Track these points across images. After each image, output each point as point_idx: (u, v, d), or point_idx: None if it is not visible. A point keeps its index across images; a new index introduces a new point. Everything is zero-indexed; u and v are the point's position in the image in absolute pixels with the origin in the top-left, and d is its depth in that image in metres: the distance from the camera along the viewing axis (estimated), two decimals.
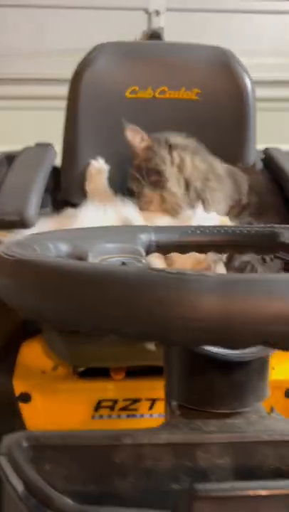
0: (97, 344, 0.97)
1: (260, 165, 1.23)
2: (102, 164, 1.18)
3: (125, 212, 0.98)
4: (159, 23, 2.70)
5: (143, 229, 0.59)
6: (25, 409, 1.16)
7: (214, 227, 0.59)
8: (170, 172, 1.03)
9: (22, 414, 1.17)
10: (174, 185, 1.03)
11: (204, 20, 2.71)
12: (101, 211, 0.98)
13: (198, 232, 0.60)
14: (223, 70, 1.15)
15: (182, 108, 1.16)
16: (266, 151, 1.23)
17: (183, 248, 0.60)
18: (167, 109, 1.16)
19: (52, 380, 1.15)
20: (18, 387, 1.14)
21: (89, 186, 1.18)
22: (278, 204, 1.06)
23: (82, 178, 1.20)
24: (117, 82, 1.13)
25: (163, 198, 1.03)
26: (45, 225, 1.00)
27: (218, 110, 1.16)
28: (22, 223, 0.93)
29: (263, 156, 1.24)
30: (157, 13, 2.69)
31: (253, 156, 1.21)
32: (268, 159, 1.20)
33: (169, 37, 2.72)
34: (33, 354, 1.21)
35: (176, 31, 2.66)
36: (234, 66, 1.15)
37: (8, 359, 1.19)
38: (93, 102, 1.12)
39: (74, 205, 1.20)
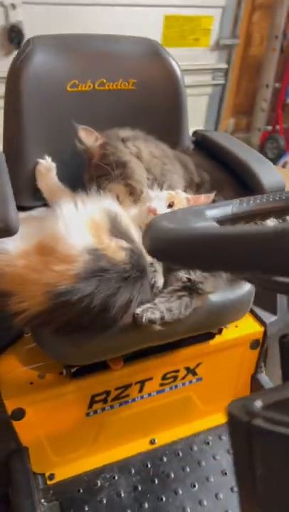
0: (99, 338, 0.97)
1: (191, 147, 1.33)
2: (50, 162, 1.15)
3: (106, 204, 0.99)
4: (16, 16, 2.63)
5: (205, 208, 0.64)
6: (18, 425, 1.10)
7: (256, 197, 0.67)
8: (134, 162, 1.07)
9: (16, 431, 1.11)
10: (139, 173, 1.07)
11: (62, 13, 2.72)
12: (80, 206, 0.97)
13: (244, 204, 0.67)
14: (155, 60, 1.21)
15: (121, 98, 1.19)
16: (196, 133, 1.33)
17: (237, 220, 0.66)
18: (107, 100, 1.18)
19: (43, 389, 1.11)
20: (10, 405, 1.08)
21: (41, 185, 1.15)
22: (228, 179, 1.17)
23: (30, 179, 1.15)
24: (58, 77, 1.11)
25: (131, 187, 1.05)
26: (25, 230, 0.95)
27: (154, 98, 1.21)
28: (6, 230, 0.88)
29: (193, 138, 1.34)
30: (13, 6, 2.62)
31: (188, 138, 1.31)
32: (201, 140, 1.31)
33: (28, 31, 2.67)
34: (11, 368, 1.15)
35: (34, 24, 2.63)
36: (164, 55, 1.22)
37: None
38: (36, 99, 1.08)
39: (23, 208, 1.15)
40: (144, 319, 0.96)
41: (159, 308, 0.98)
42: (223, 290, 1.08)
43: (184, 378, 1.26)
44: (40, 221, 1.03)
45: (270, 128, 3.68)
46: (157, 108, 1.21)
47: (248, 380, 1.37)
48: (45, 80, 1.09)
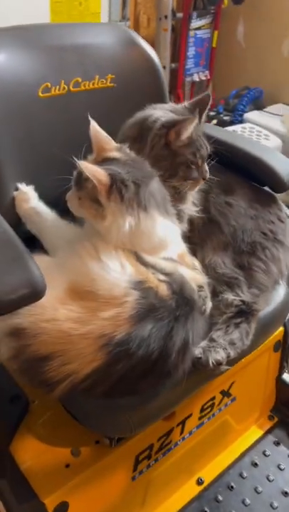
0: (157, 394, 0.80)
1: None
2: (26, 188, 0.91)
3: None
4: None
5: None
6: None
7: None
8: None
9: None
10: None
11: None
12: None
13: None
14: (130, 49, 1.00)
15: (100, 98, 0.97)
16: None
17: None
18: (85, 102, 0.94)
19: (83, 469, 0.90)
20: (51, 503, 0.86)
21: (31, 226, 0.88)
22: (235, 178, 1.02)
23: (9, 214, 0.90)
24: (27, 81, 0.85)
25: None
26: (54, 293, 0.72)
27: (135, 94, 1.02)
28: (35, 294, 0.65)
29: None
30: None
31: None
32: None
33: None
34: (34, 452, 0.92)
35: None
36: (139, 42, 1.01)
37: (15, 480, 0.87)
38: (4, 113, 0.83)
39: None
40: (210, 362, 0.80)
41: (221, 345, 0.83)
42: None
43: (220, 403, 1.13)
44: (51, 260, 0.81)
45: None
46: (140, 105, 1.02)
47: (273, 383, 1.28)
48: (13, 87, 0.85)
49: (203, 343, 0.83)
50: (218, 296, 0.89)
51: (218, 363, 0.81)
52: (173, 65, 3.50)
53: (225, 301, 0.88)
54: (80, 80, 0.95)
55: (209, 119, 3.34)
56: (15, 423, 0.96)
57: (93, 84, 0.97)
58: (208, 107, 0.93)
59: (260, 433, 1.25)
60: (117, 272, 0.74)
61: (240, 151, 1.02)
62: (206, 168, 0.92)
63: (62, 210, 0.90)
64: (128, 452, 0.96)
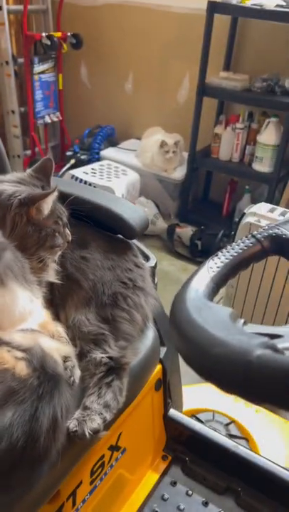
0: (32, 483, 0.73)
1: None
2: None
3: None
4: None
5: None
6: None
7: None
8: None
9: None
10: None
11: None
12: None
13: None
14: None
15: None
16: None
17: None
18: None
19: None
20: None
21: None
22: (88, 231, 1.00)
23: None
24: None
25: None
26: None
27: None
28: None
29: None
30: None
31: None
32: None
33: None
34: None
35: None
36: None
37: None
38: None
39: None
40: (86, 433, 0.76)
41: (95, 411, 0.80)
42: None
43: (110, 460, 1.09)
44: None
45: (29, 152, 3.58)
46: None
47: (161, 422, 1.28)
48: None
49: (77, 414, 0.79)
50: (87, 357, 0.86)
51: (96, 432, 0.77)
52: (22, 109, 3.47)
53: (93, 360, 0.85)
54: None
55: (67, 159, 3.36)
56: None
57: None
58: (53, 170, 0.92)
59: (156, 477, 1.23)
60: None
61: (89, 203, 1.01)
62: (68, 231, 0.91)
63: None
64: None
